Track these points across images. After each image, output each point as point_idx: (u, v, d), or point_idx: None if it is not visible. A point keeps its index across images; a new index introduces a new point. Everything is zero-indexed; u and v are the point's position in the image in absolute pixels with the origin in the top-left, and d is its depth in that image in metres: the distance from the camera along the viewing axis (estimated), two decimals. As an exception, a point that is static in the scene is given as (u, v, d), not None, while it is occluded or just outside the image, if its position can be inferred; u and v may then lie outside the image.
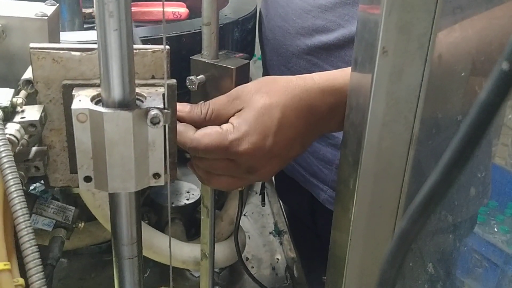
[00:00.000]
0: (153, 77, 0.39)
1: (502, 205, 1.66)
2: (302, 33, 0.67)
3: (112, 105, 0.34)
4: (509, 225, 1.61)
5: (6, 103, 0.36)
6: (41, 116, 0.37)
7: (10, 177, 0.31)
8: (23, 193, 0.31)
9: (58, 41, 0.49)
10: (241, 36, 0.72)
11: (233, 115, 0.47)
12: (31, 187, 0.78)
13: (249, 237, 0.93)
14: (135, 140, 0.34)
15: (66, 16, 0.81)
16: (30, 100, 0.39)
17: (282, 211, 0.99)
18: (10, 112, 0.37)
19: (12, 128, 0.35)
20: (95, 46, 0.34)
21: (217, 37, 0.53)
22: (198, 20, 0.59)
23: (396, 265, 0.19)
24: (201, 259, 0.66)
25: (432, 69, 0.37)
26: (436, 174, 0.16)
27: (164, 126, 0.35)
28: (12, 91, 0.38)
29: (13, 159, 0.32)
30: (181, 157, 0.49)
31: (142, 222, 0.75)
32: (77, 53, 0.37)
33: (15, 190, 0.30)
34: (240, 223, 0.72)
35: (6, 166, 0.31)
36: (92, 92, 0.36)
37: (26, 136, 0.37)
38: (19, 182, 0.31)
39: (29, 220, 0.30)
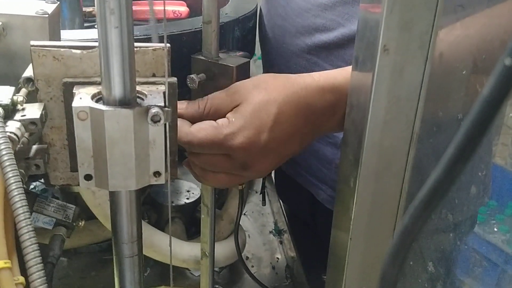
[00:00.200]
0: (154, 75, 0.39)
1: (502, 205, 1.66)
2: (302, 32, 0.66)
3: (112, 103, 0.34)
4: (509, 224, 1.61)
5: (6, 101, 0.36)
6: (41, 114, 0.36)
7: (11, 175, 0.31)
8: (23, 191, 0.31)
9: (59, 39, 0.49)
10: (241, 34, 0.72)
11: (231, 110, 0.47)
12: (31, 186, 0.78)
13: (249, 236, 0.93)
14: (136, 138, 0.34)
15: (66, 15, 0.81)
16: (31, 98, 0.39)
17: (282, 210, 0.99)
18: (10, 110, 0.37)
19: (13, 126, 0.35)
20: (96, 44, 0.34)
21: (218, 35, 0.53)
22: (198, 19, 0.59)
23: (398, 262, 0.19)
24: (201, 258, 0.66)
25: (433, 68, 0.37)
26: (438, 170, 0.16)
27: (165, 124, 0.35)
28: (12, 89, 0.38)
29: (13, 157, 0.32)
30: (181, 155, 0.49)
31: (142, 221, 0.75)
32: (78, 51, 0.37)
33: (16, 188, 0.30)
34: (240, 222, 0.72)
35: (7, 164, 0.31)
36: (93, 90, 0.36)
37: (26, 134, 0.37)
38: (20, 180, 0.31)
39: (29, 218, 0.30)
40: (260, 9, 0.79)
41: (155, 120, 0.34)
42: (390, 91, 0.37)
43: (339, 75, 0.48)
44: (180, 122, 0.46)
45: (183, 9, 0.93)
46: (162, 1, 0.35)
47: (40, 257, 0.29)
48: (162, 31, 0.45)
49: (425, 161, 0.42)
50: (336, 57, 0.64)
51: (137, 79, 0.36)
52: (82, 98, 0.35)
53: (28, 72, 0.38)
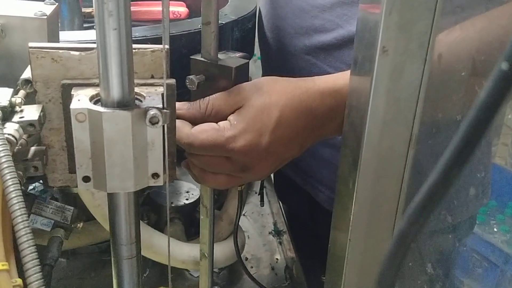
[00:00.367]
0: (152, 77, 0.39)
1: (502, 205, 1.66)
2: (300, 33, 0.66)
3: (111, 105, 0.34)
4: (509, 225, 1.61)
5: (5, 102, 0.36)
6: (40, 116, 0.36)
7: (9, 177, 0.30)
8: (21, 193, 0.31)
9: (58, 41, 0.49)
10: (241, 35, 0.72)
11: (233, 113, 0.47)
12: (30, 187, 0.77)
13: (248, 237, 0.93)
14: (134, 140, 0.34)
15: (66, 16, 0.81)
16: (29, 99, 0.39)
17: (282, 211, 0.99)
18: (9, 112, 0.37)
19: (11, 127, 0.35)
20: (95, 45, 0.34)
21: (217, 36, 0.53)
22: (198, 20, 0.59)
23: (395, 266, 0.19)
24: (200, 259, 0.65)
25: (432, 69, 0.37)
26: (435, 174, 0.16)
27: (163, 126, 0.35)
28: (11, 90, 0.38)
29: (11, 158, 0.32)
30: (180, 157, 0.49)
31: (142, 222, 0.75)
32: (77, 53, 0.37)
33: (14, 190, 0.30)
34: (239, 223, 0.72)
35: (5, 166, 0.31)
36: (91, 91, 0.36)
37: (25, 136, 0.37)
38: (18, 182, 0.31)
39: (27, 220, 0.30)
40: (259, 10, 0.79)
41: (153, 121, 0.34)
42: (389, 92, 0.37)
43: (340, 78, 0.48)
44: (181, 123, 0.46)
45: (183, 10, 0.93)
46: (161, 2, 0.35)
47: (38, 259, 0.29)
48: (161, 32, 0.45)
49: (424, 162, 0.42)
50: (334, 58, 0.64)
51: (136, 81, 0.36)
52: (81, 99, 0.35)
53: (27, 73, 0.38)
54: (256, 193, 1.04)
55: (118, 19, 0.31)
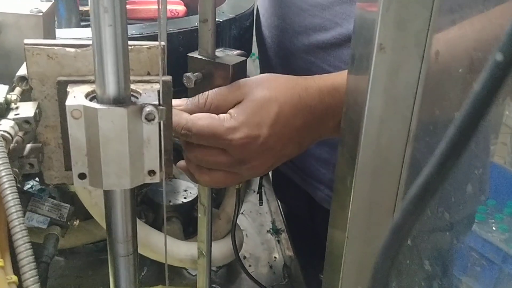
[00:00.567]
0: (148, 74, 0.39)
1: (501, 204, 1.66)
2: (299, 31, 0.66)
3: (107, 102, 0.34)
4: (508, 224, 1.61)
5: (0, 99, 0.36)
6: (35, 113, 0.36)
7: (4, 174, 0.30)
8: (16, 190, 0.30)
9: (54, 38, 0.49)
10: (238, 33, 0.71)
11: (232, 107, 0.47)
12: (28, 185, 0.77)
13: (246, 236, 0.93)
14: (130, 137, 0.34)
15: (63, 14, 0.81)
16: (25, 96, 0.39)
17: (280, 210, 0.99)
18: (4, 109, 0.36)
19: (6, 124, 0.35)
20: (90, 42, 0.34)
21: (214, 34, 0.52)
22: (195, 18, 0.59)
23: (390, 259, 0.19)
24: (198, 258, 0.65)
25: (430, 66, 0.37)
26: (430, 166, 0.16)
27: (159, 123, 0.35)
28: (6, 87, 0.38)
29: (6, 156, 0.32)
30: (178, 155, 0.49)
31: (139, 221, 0.75)
32: (72, 49, 0.37)
33: (9, 187, 0.30)
34: (238, 222, 0.72)
35: (0, 163, 0.31)
36: (87, 88, 0.36)
37: (20, 133, 0.37)
38: (13, 179, 0.31)
39: (22, 217, 0.30)
40: (257, 8, 0.79)
41: (149, 118, 0.33)
42: (386, 89, 0.37)
43: (339, 77, 0.48)
44: (179, 110, 0.46)
45: (181, 8, 0.93)
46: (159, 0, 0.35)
47: (33, 256, 0.29)
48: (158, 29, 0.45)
49: (421, 160, 0.42)
50: (333, 57, 0.64)
51: (132, 78, 0.36)
52: (76, 96, 0.34)
53: (22, 70, 0.38)
54: (254, 191, 1.04)
55: (114, 16, 0.31)
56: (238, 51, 0.56)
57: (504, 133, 1.71)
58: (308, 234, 0.87)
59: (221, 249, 0.77)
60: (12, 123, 0.35)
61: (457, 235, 0.65)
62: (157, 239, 0.72)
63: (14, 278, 0.30)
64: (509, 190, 1.63)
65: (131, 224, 0.39)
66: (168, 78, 0.37)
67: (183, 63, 0.54)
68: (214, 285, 0.80)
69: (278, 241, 0.94)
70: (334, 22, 0.62)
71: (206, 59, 0.53)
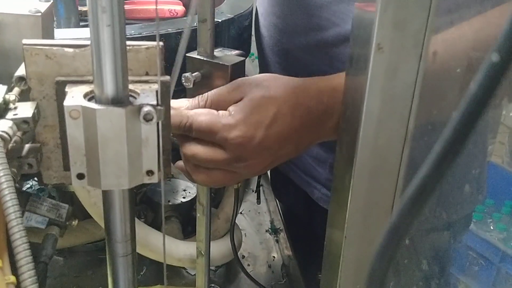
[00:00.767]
0: (147, 74, 0.39)
1: (498, 203, 1.67)
2: (298, 31, 0.66)
3: (105, 102, 0.34)
4: (505, 223, 1.61)
5: (-2, 99, 0.36)
6: (34, 113, 0.36)
7: (2, 174, 0.30)
8: (14, 190, 0.31)
9: (52, 38, 0.49)
10: (237, 33, 0.71)
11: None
12: (27, 185, 0.77)
13: (245, 235, 0.93)
14: (128, 137, 0.34)
15: (62, 14, 0.81)
16: (24, 97, 0.39)
17: (278, 209, 0.99)
18: (3, 109, 0.36)
19: (5, 125, 0.35)
20: (89, 42, 0.34)
21: (213, 34, 0.53)
22: (194, 18, 0.59)
23: (386, 260, 0.19)
24: (197, 257, 0.65)
25: (427, 66, 0.37)
26: (426, 167, 0.16)
27: (158, 123, 0.35)
28: (5, 87, 0.38)
29: (5, 156, 0.32)
30: (176, 155, 0.49)
31: (138, 220, 0.75)
32: (71, 50, 0.37)
33: (7, 187, 0.30)
34: (236, 221, 0.72)
35: (-2, 163, 0.31)
36: (86, 88, 0.36)
37: (19, 133, 0.37)
38: (11, 179, 0.31)
39: (21, 217, 0.30)
40: (256, 8, 0.79)
41: (147, 118, 0.33)
42: (384, 89, 0.37)
43: (338, 78, 0.48)
44: (180, 110, 0.46)
45: (179, 8, 0.93)
46: (157, 0, 0.35)
47: (31, 257, 0.29)
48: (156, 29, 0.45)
49: (419, 159, 0.42)
50: (331, 56, 0.64)
51: (130, 78, 0.36)
52: (74, 96, 0.34)
53: (21, 71, 0.38)
54: (253, 191, 1.04)
55: (112, 16, 0.31)
56: (237, 51, 0.56)
57: (502, 132, 1.71)
58: (307, 234, 0.87)
59: (219, 248, 0.78)
60: (10, 123, 0.35)
61: (455, 235, 0.65)
62: (156, 239, 0.72)
63: (12, 278, 0.30)
64: (506, 190, 1.63)
65: (129, 224, 0.39)
66: (167, 78, 0.37)
67: (182, 63, 0.54)
68: (213, 285, 0.80)
69: (277, 241, 0.94)
70: (332, 21, 0.62)
71: (205, 59, 0.53)
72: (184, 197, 0.82)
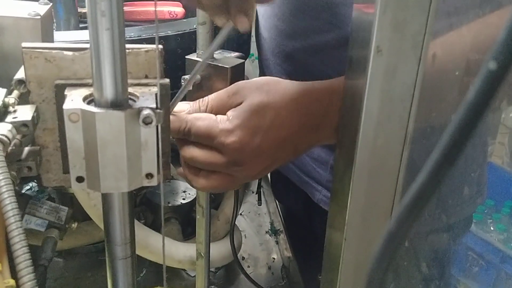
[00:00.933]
0: (146, 77, 0.39)
1: (498, 204, 1.67)
2: (298, 33, 0.66)
3: (104, 105, 0.34)
4: (505, 223, 1.61)
5: (-2, 103, 0.36)
6: (33, 116, 0.36)
7: (1, 177, 0.30)
8: (14, 194, 0.31)
9: (52, 41, 0.49)
10: (236, 35, 0.71)
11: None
12: (27, 187, 0.77)
13: (245, 236, 0.93)
14: (128, 140, 0.34)
15: (61, 16, 0.81)
16: (23, 100, 0.39)
17: (278, 211, 0.99)
18: (2, 112, 0.37)
19: (4, 128, 0.35)
20: (88, 45, 0.34)
21: (213, 36, 0.53)
22: (194, 20, 0.59)
23: (384, 266, 0.19)
24: (196, 259, 0.65)
25: (426, 68, 0.37)
26: (423, 174, 0.16)
27: (157, 126, 0.35)
28: (4, 91, 0.38)
29: (4, 159, 0.32)
30: (176, 157, 0.49)
31: (138, 222, 0.75)
32: (70, 53, 0.37)
33: (6, 191, 0.30)
34: (236, 223, 0.72)
35: (-2, 166, 0.31)
36: (85, 92, 0.36)
37: (18, 136, 0.37)
38: (10, 182, 0.31)
39: (20, 221, 0.30)
40: (256, 10, 0.79)
41: (146, 122, 0.33)
42: (384, 91, 0.37)
43: (337, 80, 0.48)
44: (179, 115, 0.46)
45: (179, 10, 0.93)
46: (156, 2, 0.35)
47: (31, 260, 0.29)
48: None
49: (418, 161, 0.42)
50: (332, 59, 0.64)
51: (130, 81, 0.36)
52: (74, 100, 0.35)
53: (20, 74, 0.38)
54: (253, 192, 1.04)
55: (111, 19, 0.31)
56: (236, 53, 0.56)
57: (502, 133, 1.71)
58: (307, 235, 0.87)
59: (219, 250, 0.78)
60: (10, 126, 0.35)
61: (456, 237, 0.65)
62: (156, 241, 0.72)
63: (12, 282, 0.30)
64: (506, 190, 1.63)
65: (129, 226, 0.39)
66: (166, 81, 0.37)
67: (181, 65, 0.54)
68: (212, 286, 0.80)
69: (277, 242, 0.94)
70: (334, 24, 0.62)
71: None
72: (183, 199, 0.82)
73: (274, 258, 0.90)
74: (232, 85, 0.49)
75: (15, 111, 0.37)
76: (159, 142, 0.36)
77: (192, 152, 0.47)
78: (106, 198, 0.38)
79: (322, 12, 0.63)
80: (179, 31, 0.63)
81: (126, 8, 0.91)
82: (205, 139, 0.46)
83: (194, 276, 0.73)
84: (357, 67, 0.39)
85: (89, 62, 0.35)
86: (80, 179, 0.35)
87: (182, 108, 0.49)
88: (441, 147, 0.15)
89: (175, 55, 0.59)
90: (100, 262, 0.82)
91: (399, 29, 0.35)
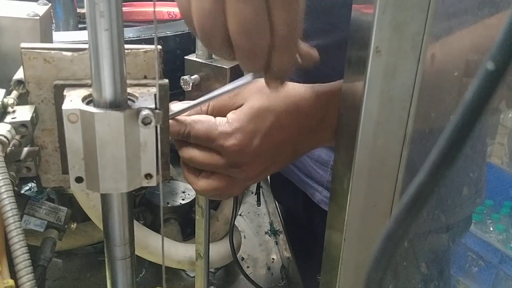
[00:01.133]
0: (145, 77, 0.39)
1: (498, 204, 1.67)
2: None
3: (103, 106, 0.34)
4: (505, 224, 1.61)
5: (-3, 103, 0.36)
6: (32, 117, 0.36)
7: (0, 178, 0.30)
8: (13, 194, 0.31)
9: (51, 41, 0.49)
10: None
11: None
12: (26, 187, 0.77)
13: (244, 237, 0.93)
14: (127, 141, 0.34)
15: (61, 16, 0.81)
16: (22, 100, 0.39)
17: (278, 211, 0.99)
18: (1, 113, 0.37)
19: (3, 128, 0.35)
20: (87, 46, 0.34)
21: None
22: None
23: (382, 267, 0.19)
24: (196, 259, 0.65)
25: (426, 69, 0.37)
26: (421, 175, 0.16)
27: (156, 127, 0.35)
28: (3, 91, 0.38)
29: (3, 159, 0.32)
30: (176, 157, 0.49)
31: (137, 223, 0.75)
32: (69, 53, 0.37)
33: (5, 191, 0.30)
34: (236, 223, 0.72)
35: (-4, 167, 0.31)
36: (84, 92, 0.36)
37: (17, 137, 0.37)
38: (9, 182, 0.31)
39: (19, 221, 0.30)
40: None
41: (146, 122, 0.33)
42: (383, 92, 0.37)
43: (337, 85, 0.48)
44: (178, 118, 0.46)
45: (178, 10, 0.93)
46: (155, 3, 0.35)
47: (30, 260, 0.29)
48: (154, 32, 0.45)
49: (417, 162, 0.42)
50: (333, 60, 0.63)
51: (128, 81, 0.36)
52: (73, 100, 0.34)
53: (19, 74, 0.38)
54: (252, 193, 1.04)
55: (110, 20, 0.31)
56: (235, 54, 0.56)
57: (502, 133, 1.72)
58: (306, 236, 0.87)
59: (219, 250, 0.78)
60: (9, 126, 0.35)
61: (455, 237, 0.65)
62: (155, 241, 0.72)
63: (11, 282, 0.30)
64: (506, 190, 1.63)
65: (128, 227, 0.39)
66: (165, 81, 0.37)
67: (181, 65, 0.54)
68: (212, 287, 0.80)
69: (276, 243, 0.94)
70: (335, 26, 0.62)
71: (203, 61, 0.53)
72: (183, 199, 0.82)
73: (273, 259, 0.90)
74: None
75: (14, 111, 0.37)
76: (158, 143, 0.36)
77: (191, 153, 0.47)
78: (105, 199, 0.38)
79: (324, 14, 0.63)
80: (178, 32, 0.63)
81: (125, 9, 0.91)
82: (204, 142, 0.46)
83: (194, 276, 0.73)
84: (356, 67, 0.39)
85: (88, 62, 0.35)
86: (79, 180, 0.35)
87: (182, 108, 0.48)
88: (440, 147, 0.15)
89: (174, 56, 0.59)
90: (99, 262, 0.82)
91: (399, 30, 0.35)
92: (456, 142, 0.14)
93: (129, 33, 0.61)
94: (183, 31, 0.63)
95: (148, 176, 0.36)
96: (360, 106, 0.38)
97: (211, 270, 0.83)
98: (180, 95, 0.53)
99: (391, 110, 0.38)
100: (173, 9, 0.92)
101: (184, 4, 0.37)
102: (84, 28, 0.82)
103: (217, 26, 0.35)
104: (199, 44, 0.53)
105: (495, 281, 1.47)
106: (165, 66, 0.40)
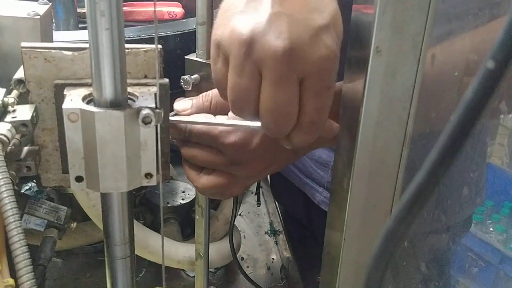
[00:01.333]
0: (145, 77, 0.39)
1: (498, 205, 1.67)
2: None
3: (103, 105, 0.34)
4: (505, 224, 1.61)
5: (-3, 102, 0.36)
6: (32, 116, 0.36)
7: (0, 177, 0.30)
8: (13, 193, 0.31)
9: (51, 41, 0.49)
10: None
11: None
12: (26, 187, 0.77)
13: (244, 237, 0.93)
14: (127, 140, 0.34)
15: (61, 16, 0.81)
16: (22, 99, 0.39)
17: (278, 211, 0.99)
18: (1, 112, 0.37)
19: (3, 127, 0.35)
20: (87, 45, 0.34)
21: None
22: (193, 20, 0.59)
23: (382, 266, 0.19)
24: (196, 259, 0.65)
25: (426, 69, 0.37)
26: (422, 173, 0.16)
27: (156, 126, 0.35)
28: (3, 90, 0.38)
29: (3, 159, 0.32)
30: (176, 157, 0.49)
31: (137, 222, 0.75)
32: (69, 53, 0.37)
33: (5, 190, 0.30)
34: (236, 223, 0.72)
35: (-3, 166, 0.31)
36: (84, 91, 0.36)
37: (18, 136, 0.37)
38: (10, 182, 0.31)
39: (19, 220, 0.30)
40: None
41: (146, 121, 0.33)
42: (383, 92, 0.37)
43: (339, 84, 0.48)
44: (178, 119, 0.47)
45: (178, 10, 0.93)
46: (156, 3, 0.35)
47: (30, 259, 0.29)
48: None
49: (418, 162, 0.42)
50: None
51: (129, 81, 0.36)
52: (73, 99, 0.35)
53: (19, 73, 0.38)
54: (252, 193, 1.04)
55: (110, 19, 0.31)
56: (235, 53, 0.56)
57: (502, 134, 1.72)
58: (306, 236, 0.87)
59: (219, 250, 0.78)
60: (9, 126, 0.35)
61: (455, 237, 0.65)
62: (155, 241, 0.72)
63: (11, 281, 0.30)
64: (506, 191, 1.63)
65: (128, 226, 0.39)
66: (165, 81, 0.37)
67: (181, 65, 0.54)
68: (212, 287, 0.80)
69: (276, 243, 0.94)
70: None
71: (203, 61, 0.53)
72: (183, 199, 0.82)
73: (273, 259, 0.90)
74: None
75: (14, 110, 0.37)
76: (158, 142, 0.36)
77: (192, 151, 0.47)
78: (105, 198, 0.38)
79: None
80: (178, 31, 0.63)
81: (125, 8, 0.91)
82: (205, 140, 0.46)
83: (193, 276, 0.73)
84: (357, 67, 0.39)
85: (88, 62, 0.35)
86: (79, 179, 0.35)
87: (185, 106, 0.48)
88: (440, 146, 0.15)
89: (174, 55, 0.59)
90: (99, 262, 0.82)
91: (399, 30, 0.35)
92: (456, 140, 0.14)
93: (129, 32, 0.61)
94: (183, 30, 0.63)
95: (148, 175, 0.36)
96: (360, 106, 0.38)
97: (211, 270, 0.83)
98: (181, 95, 0.53)
99: (391, 110, 0.38)
100: (173, 9, 0.92)
101: (219, 73, 0.38)
102: (84, 28, 0.82)
103: (250, 103, 0.37)
104: (199, 43, 0.53)
105: (495, 281, 1.48)
106: (165, 65, 0.40)
